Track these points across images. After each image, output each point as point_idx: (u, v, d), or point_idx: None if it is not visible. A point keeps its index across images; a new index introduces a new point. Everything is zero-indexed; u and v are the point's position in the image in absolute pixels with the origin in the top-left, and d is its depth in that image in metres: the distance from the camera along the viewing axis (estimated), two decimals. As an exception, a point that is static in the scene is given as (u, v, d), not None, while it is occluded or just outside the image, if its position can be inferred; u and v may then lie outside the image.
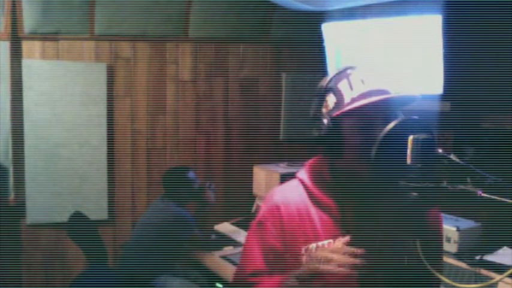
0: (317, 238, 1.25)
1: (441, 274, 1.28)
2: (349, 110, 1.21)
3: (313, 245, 1.25)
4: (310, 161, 1.40)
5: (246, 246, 1.37)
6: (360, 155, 1.20)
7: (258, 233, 1.32)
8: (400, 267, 1.25)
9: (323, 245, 1.25)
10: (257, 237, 1.32)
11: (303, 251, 1.25)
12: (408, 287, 1.24)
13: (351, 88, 1.24)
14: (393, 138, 1.12)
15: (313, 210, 1.28)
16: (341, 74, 1.29)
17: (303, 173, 1.37)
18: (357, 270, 1.18)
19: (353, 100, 1.22)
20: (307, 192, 1.31)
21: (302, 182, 1.34)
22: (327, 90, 1.29)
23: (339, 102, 1.25)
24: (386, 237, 1.24)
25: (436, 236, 1.40)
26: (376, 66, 2.97)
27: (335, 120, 1.24)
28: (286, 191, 1.35)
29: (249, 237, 1.36)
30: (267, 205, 1.35)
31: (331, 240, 1.25)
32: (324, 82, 1.31)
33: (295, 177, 1.38)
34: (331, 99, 1.27)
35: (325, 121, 1.25)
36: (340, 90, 1.25)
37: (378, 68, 1.31)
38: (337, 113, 1.22)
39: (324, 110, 1.28)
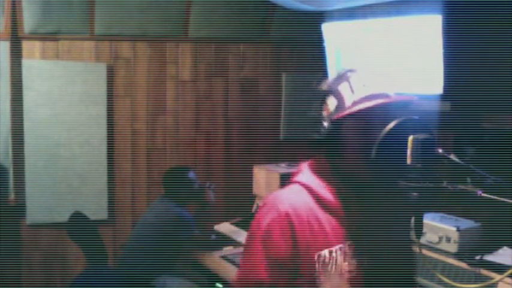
0: (328, 244, 1.23)
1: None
2: (351, 113, 1.20)
3: (325, 251, 1.22)
4: (309, 163, 1.35)
5: (250, 254, 1.28)
6: (361, 157, 1.20)
7: (264, 243, 1.24)
8: (402, 266, 1.25)
9: (335, 250, 1.22)
10: (263, 247, 1.24)
11: (315, 258, 1.22)
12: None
13: (352, 91, 1.23)
14: (393, 138, 1.12)
15: (322, 215, 1.24)
16: (341, 76, 1.28)
17: (305, 177, 1.31)
18: (361, 271, 1.19)
19: (354, 103, 1.22)
20: (314, 196, 1.27)
21: (306, 186, 1.29)
22: (327, 93, 1.28)
23: (340, 105, 1.24)
24: (388, 237, 1.25)
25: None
26: (376, 67, 2.98)
27: (336, 123, 1.24)
28: (292, 197, 1.27)
29: (254, 245, 1.27)
30: (273, 213, 1.25)
31: (341, 245, 1.23)
32: (323, 85, 1.31)
33: (294, 182, 1.32)
34: (331, 102, 1.26)
35: (325, 124, 1.25)
36: (340, 93, 1.25)
37: (378, 71, 1.31)
38: (338, 115, 1.22)
39: (324, 113, 1.28)
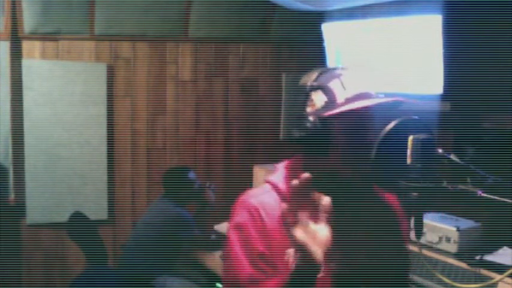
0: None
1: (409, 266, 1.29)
2: (346, 110, 1.15)
3: (290, 250, 1.15)
4: (286, 163, 1.33)
5: (230, 254, 1.25)
6: (355, 156, 1.17)
7: (238, 237, 1.22)
8: (381, 268, 1.22)
9: None
10: (239, 242, 1.22)
11: (284, 256, 1.16)
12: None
13: (344, 88, 1.19)
14: (393, 138, 1.12)
15: None
16: (330, 73, 1.23)
17: (276, 177, 1.29)
18: (336, 271, 1.16)
19: (347, 100, 1.17)
20: (281, 196, 1.24)
21: (275, 186, 1.27)
22: (313, 88, 1.22)
23: (330, 102, 1.18)
24: (366, 239, 1.22)
25: (394, 222, 1.34)
26: (376, 67, 2.98)
27: (326, 120, 1.18)
28: (261, 195, 1.26)
29: (231, 243, 1.24)
30: (242, 208, 1.24)
31: None
32: (308, 80, 1.24)
33: (265, 182, 1.31)
34: (319, 98, 1.20)
35: (311, 120, 1.19)
36: (331, 89, 1.19)
37: (369, 70, 1.29)
38: (331, 112, 1.16)
39: (309, 109, 1.21)
